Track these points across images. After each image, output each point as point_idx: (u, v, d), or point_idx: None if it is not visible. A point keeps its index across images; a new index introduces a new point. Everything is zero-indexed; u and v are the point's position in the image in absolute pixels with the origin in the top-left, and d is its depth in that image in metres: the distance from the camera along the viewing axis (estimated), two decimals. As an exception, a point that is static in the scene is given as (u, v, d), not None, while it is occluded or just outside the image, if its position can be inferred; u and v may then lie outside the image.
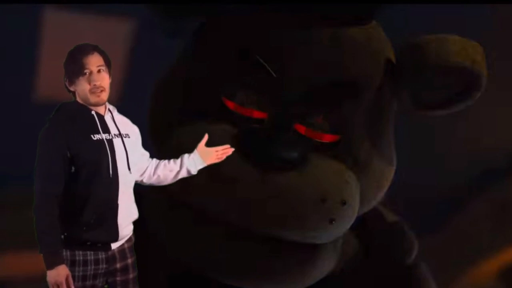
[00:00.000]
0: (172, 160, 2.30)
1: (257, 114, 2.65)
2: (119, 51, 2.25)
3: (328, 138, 2.66)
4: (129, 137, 2.23)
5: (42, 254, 2.12)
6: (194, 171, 2.29)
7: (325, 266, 2.74)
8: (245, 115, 2.65)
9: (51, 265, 2.10)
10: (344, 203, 2.54)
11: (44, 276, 2.20)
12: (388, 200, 3.05)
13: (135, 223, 2.27)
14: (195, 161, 2.29)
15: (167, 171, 2.29)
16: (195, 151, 2.30)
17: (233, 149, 2.31)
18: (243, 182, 2.50)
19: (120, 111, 2.28)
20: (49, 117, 2.18)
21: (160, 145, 2.70)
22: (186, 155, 2.30)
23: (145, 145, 2.62)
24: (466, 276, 4.22)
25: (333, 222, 2.53)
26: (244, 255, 2.59)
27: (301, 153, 2.57)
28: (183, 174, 2.30)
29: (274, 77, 2.61)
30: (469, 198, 4.25)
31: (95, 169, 2.14)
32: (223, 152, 2.30)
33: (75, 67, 2.15)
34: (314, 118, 2.63)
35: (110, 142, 2.18)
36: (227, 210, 2.52)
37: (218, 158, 2.30)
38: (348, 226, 2.66)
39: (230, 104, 2.66)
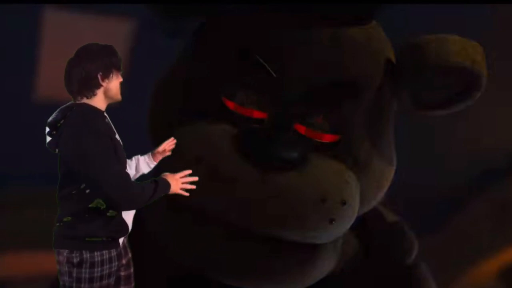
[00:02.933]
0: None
1: (257, 114, 2.65)
2: (119, 51, 2.25)
3: (328, 138, 2.66)
4: None
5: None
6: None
7: (325, 266, 2.74)
8: (245, 115, 2.65)
9: (169, 187, 2.21)
10: (344, 203, 2.54)
11: (44, 276, 2.22)
12: (388, 200, 3.05)
13: (133, 224, 2.29)
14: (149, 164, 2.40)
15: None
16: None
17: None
18: (243, 182, 2.50)
19: (120, 111, 2.29)
20: (56, 120, 2.17)
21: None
22: (142, 160, 2.39)
23: (145, 145, 2.62)
24: (466, 276, 4.22)
25: (333, 222, 2.53)
26: (244, 255, 2.59)
27: (301, 153, 2.57)
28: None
29: (274, 77, 2.61)
30: (469, 198, 4.25)
31: (123, 168, 2.19)
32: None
33: (117, 61, 2.20)
34: (314, 118, 2.64)
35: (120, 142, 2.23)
36: (227, 210, 2.52)
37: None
38: (348, 226, 2.66)
39: (230, 104, 2.66)
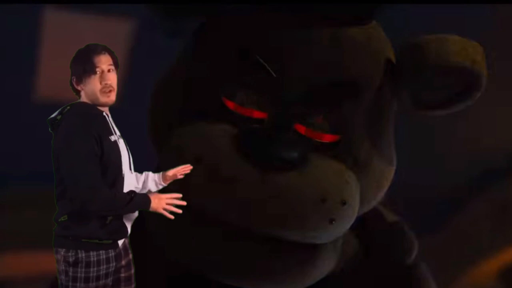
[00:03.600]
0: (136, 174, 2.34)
1: (257, 114, 2.65)
2: (119, 51, 2.26)
3: (328, 138, 2.65)
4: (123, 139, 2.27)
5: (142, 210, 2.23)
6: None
7: (325, 266, 2.74)
8: (245, 115, 2.65)
9: (148, 204, 2.21)
10: (344, 203, 2.54)
11: (44, 276, 2.23)
12: (388, 200, 3.05)
13: (134, 224, 2.29)
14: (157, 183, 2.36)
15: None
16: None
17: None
18: (243, 182, 2.49)
19: (120, 111, 2.29)
20: (54, 118, 2.18)
21: (160, 145, 2.70)
22: (151, 177, 2.35)
23: (145, 145, 2.62)
24: (466, 276, 4.22)
25: (333, 222, 2.53)
26: (244, 255, 2.59)
27: (301, 153, 2.57)
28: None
29: (274, 77, 2.61)
30: (469, 198, 4.26)
31: (114, 170, 2.18)
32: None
33: (86, 66, 2.18)
34: (314, 118, 2.63)
35: (118, 142, 2.21)
36: (227, 210, 2.52)
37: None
38: (348, 226, 2.66)
39: (230, 104, 2.66)
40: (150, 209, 2.22)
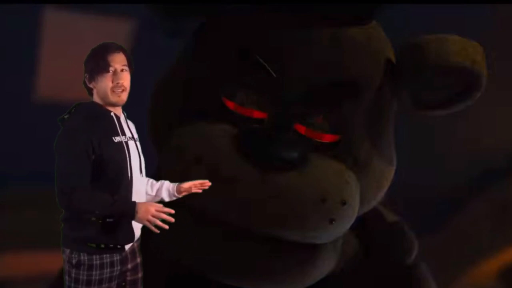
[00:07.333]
0: (151, 182, 2.31)
1: (257, 114, 2.65)
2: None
3: (328, 138, 2.66)
4: (138, 141, 2.25)
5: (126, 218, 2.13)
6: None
7: (325, 266, 2.74)
8: (245, 115, 2.65)
9: (133, 214, 2.09)
10: (344, 203, 2.54)
11: (44, 276, 2.21)
12: (388, 200, 3.05)
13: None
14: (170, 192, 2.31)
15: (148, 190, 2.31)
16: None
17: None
18: (243, 182, 2.50)
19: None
20: (62, 117, 2.18)
21: (160, 145, 2.70)
22: (165, 186, 2.30)
23: (145, 145, 2.62)
24: (466, 276, 4.22)
25: (333, 222, 2.53)
26: (244, 255, 2.59)
27: (301, 153, 2.57)
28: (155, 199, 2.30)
29: (274, 77, 2.62)
30: (469, 198, 4.25)
31: (117, 171, 2.15)
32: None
33: (100, 64, 2.17)
34: (314, 118, 2.64)
35: (127, 144, 2.19)
36: (227, 210, 2.52)
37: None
38: (348, 226, 2.66)
39: (230, 104, 2.66)
40: (136, 220, 2.10)
